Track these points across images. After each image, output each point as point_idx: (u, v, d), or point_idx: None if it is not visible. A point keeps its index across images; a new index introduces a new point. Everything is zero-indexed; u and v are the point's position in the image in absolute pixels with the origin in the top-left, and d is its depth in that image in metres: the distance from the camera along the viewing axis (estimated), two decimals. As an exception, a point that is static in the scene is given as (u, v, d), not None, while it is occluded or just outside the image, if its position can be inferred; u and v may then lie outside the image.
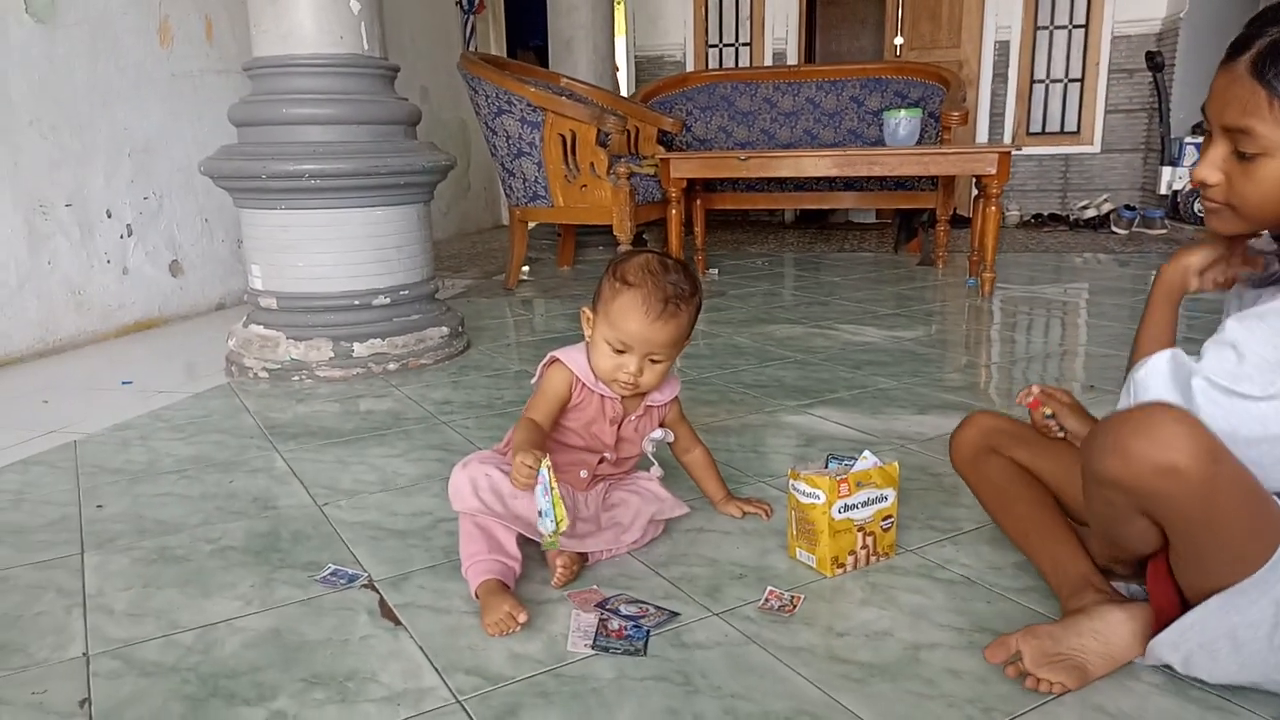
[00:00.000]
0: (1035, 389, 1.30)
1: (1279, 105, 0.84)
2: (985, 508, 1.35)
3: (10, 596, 1.30)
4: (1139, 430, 0.86)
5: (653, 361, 1.31)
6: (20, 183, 2.74)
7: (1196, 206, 5.34)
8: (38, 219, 2.80)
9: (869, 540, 1.31)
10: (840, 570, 1.30)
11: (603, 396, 1.35)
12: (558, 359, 1.35)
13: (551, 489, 1.17)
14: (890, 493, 1.33)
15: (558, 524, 1.17)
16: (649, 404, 1.40)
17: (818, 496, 1.27)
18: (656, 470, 1.43)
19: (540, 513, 1.18)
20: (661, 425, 1.44)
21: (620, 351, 1.29)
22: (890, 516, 1.33)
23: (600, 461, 1.40)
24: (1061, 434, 1.26)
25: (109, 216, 3.07)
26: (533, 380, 1.39)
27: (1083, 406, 1.29)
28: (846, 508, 1.28)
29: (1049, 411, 1.28)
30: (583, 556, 1.33)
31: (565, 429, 1.37)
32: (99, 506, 1.62)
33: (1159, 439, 0.85)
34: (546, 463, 1.17)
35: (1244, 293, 1.07)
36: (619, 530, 1.35)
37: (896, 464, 1.35)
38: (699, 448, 1.51)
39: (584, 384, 1.34)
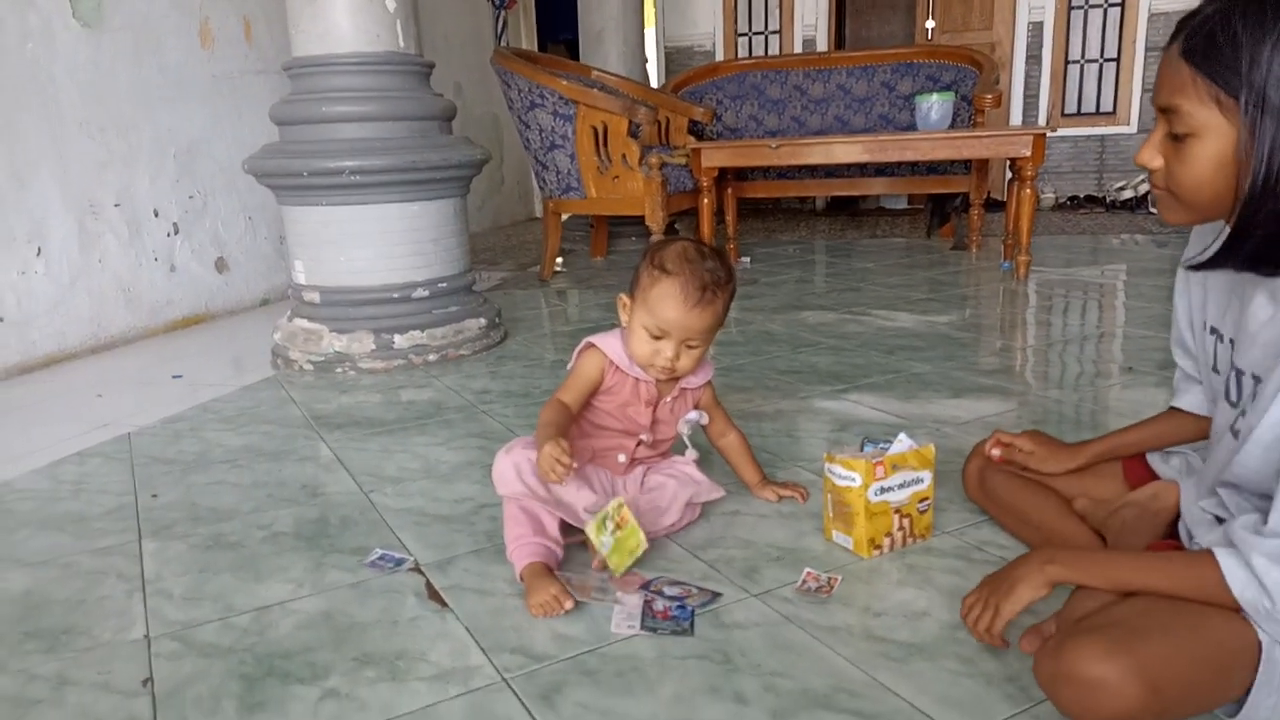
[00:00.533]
0: (995, 450, 1.34)
1: (1202, 83, 0.82)
2: (1007, 529, 1.37)
3: (73, 582, 1.35)
4: (1078, 692, 0.83)
5: (689, 347, 1.33)
6: (71, 183, 2.82)
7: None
8: (88, 219, 2.88)
9: (905, 522, 1.33)
10: (877, 552, 1.31)
11: (636, 379, 1.38)
12: (592, 344, 1.38)
13: (619, 528, 1.22)
14: (926, 475, 1.34)
15: (634, 554, 1.23)
16: (683, 387, 1.42)
17: (854, 479, 1.29)
18: (692, 453, 1.45)
19: (601, 546, 1.23)
20: (696, 407, 1.46)
21: (658, 337, 1.32)
22: (927, 499, 1.34)
23: (637, 445, 1.42)
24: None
25: (156, 215, 3.15)
26: (568, 366, 1.42)
27: (1048, 443, 1.32)
28: (882, 490, 1.29)
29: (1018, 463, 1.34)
30: None
31: (601, 412, 1.40)
32: (154, 495, 1.68)
33: (1099, 698, 0.81)
34: (619, 501, 1.22)
35: (1191, 279, 1.07)
36: (657, 513, 1.38)
37: (933, 447, 1.36)
38: (734, 432, 1.53)
39: (617, 367, 1.36)
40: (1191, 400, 1.17)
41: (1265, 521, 0.85)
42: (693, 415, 1.44)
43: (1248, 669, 0.86)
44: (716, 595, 1.22)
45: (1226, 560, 0.86)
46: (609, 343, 1.37)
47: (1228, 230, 0.87)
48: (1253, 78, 0.79)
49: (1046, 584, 0.94)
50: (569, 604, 1.18)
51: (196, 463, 1.85)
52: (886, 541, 1.32)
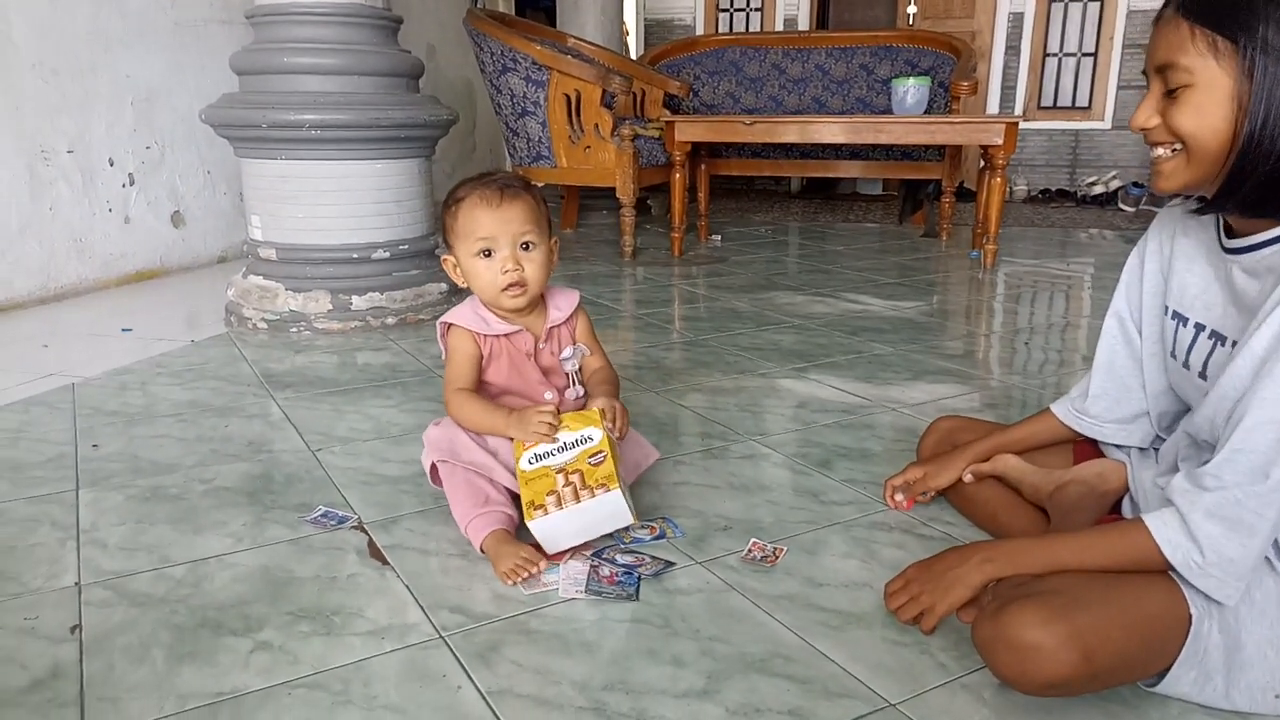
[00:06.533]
0: (901, 501, 1.38)
1: (1200, 35, 0.85)
2: (958, 509, 1.38)
3: (6, 528, 1.32)
4: (1014, 657, 0.85)
5: (524, 249, 1.30)
6: (23, 127, 2.73)
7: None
8: (39, 165, 2.79)
9: (574, 477, 1.22)
10: (539, 512, 1.20)
11: (507, 335, 1.34)
12: (448, 323, 1.34)
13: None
14: (594, 432, 1.25)
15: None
16: (550, 325, 1.37)
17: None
18: (577, 390, 1.38)
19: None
20: (573, 342, 1.40)
21: (489, 254, 1.29)
22: (601, 452, 1.24)
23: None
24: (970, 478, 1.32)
25: (111, 165, 3.06)
26: (442, 357, 1.38)
27: (932, 461, 1.35)
28: (537, 458, 1.24)
29: (923, 494, 1.37)
30: None
31: (497, 388, 1.36)
32: (95, 446, 1.64)
33: (1035, 663, 0.84)
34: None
35: (1146, 271, 1.09)
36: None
37: (598, 410, 1.28)
38: (604, 365, 1.45)
39: (482, 333, 1.33)
40: (1105, 417, 1.20)
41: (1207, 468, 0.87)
42: (568, 351, 1.37)
43: (1176, 643, 0.88)
44: (669, 564, 1.21)
45: (1155, 524, 0.89)
46: (461, 314, 1.34)
47: (1224, 176, 0.87)
48: (1250, 22, 0.82)
49: (983, 584, 0.96)
50: (543, 563, 1.17)
51: (141, 416, 1.81)
52: (550, 499, 1.20)
